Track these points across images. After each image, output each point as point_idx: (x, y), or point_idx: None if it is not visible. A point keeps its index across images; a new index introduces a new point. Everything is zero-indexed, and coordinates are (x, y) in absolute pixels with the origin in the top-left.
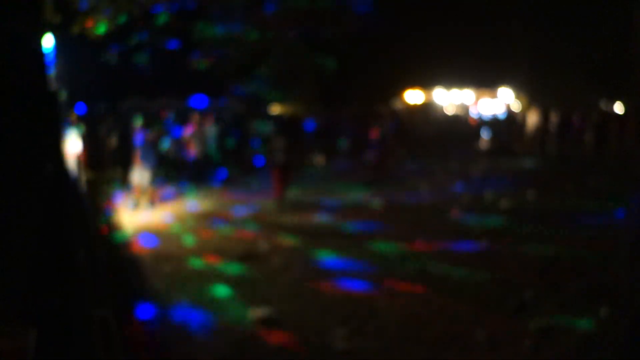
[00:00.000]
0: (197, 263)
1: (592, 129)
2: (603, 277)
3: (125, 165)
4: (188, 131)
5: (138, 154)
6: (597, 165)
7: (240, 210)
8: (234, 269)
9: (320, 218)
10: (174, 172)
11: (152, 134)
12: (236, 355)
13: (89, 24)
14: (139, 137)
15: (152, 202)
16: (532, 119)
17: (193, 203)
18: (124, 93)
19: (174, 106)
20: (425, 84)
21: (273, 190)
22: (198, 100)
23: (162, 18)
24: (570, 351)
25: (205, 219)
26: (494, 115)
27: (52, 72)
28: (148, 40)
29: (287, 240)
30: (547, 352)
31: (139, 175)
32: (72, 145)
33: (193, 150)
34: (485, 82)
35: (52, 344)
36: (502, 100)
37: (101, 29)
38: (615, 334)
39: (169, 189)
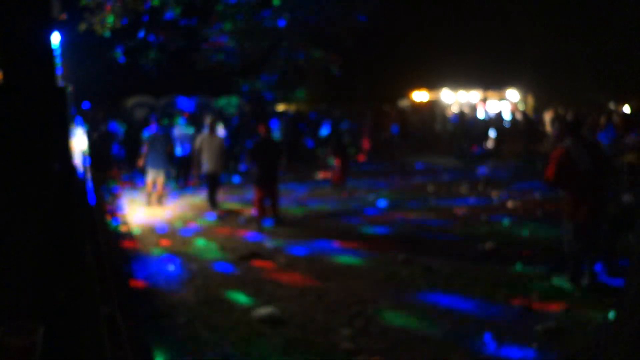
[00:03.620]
0: (203, 261)
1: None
2: (612, 279)
3: (131, 161)
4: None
5: (147, 151)
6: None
7: (247, 210)
8: (239, 267)
9: (323, 220)
10: (181, 172)
11: (162, 130)
12: (241, 354)
13: (96, 21)
14: (147, 133)
15: (161, 200)
16: (547, 119)
17: (198, 203)
18: (130, 90)
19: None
20: (432, 85)
21: (254, 206)
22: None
23: (168, 15)
24: (577, 353)
25: (211, 218)
26: (499, 114)
27: (59, 69)
28: (154, 37)
29: (292, 239)
30: (553, 354)
31: (152, 172)
32: (79, 142)
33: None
34: (493, 83)
35: (60, 340)
36: (510, 101)
37: (108, 26)
38: (623, 337)
39: (175, 188)
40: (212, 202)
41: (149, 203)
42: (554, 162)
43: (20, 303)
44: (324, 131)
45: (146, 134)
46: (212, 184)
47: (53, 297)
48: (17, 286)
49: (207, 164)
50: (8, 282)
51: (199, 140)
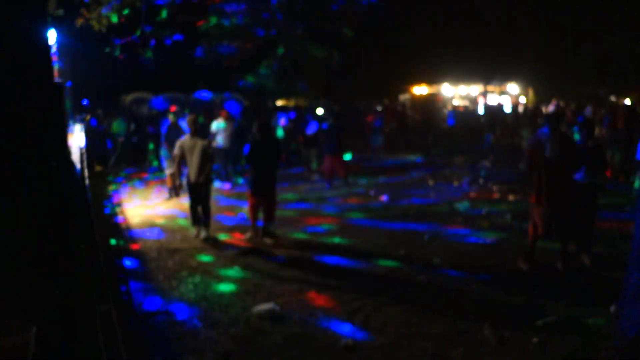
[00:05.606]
0: (202, 257)
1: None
2: (613, 274)
3: (133, 156)
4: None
5: (166, 143)
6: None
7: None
8: (239, 264)
9: (322, 217)
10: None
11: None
12: (241, 351)
13: (93, 17)
14: (164, 126)
15: (170, 192)
16: (543, 112)
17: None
18: (128, 86)
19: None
20: (432, 80)
21: (249, 215)
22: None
23: (166, 11)
24: (578, 348)
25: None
26: (499, 106)
27: (56, 65)
28: (152, 33)
29: (291, 236)
30: (554, 349)
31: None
32: (76, 138)
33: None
34: (493, 77)
35: (54, 339)
36: (510, 95)
37: (105, 22)
38: (624, 330)
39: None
40: (194, 218)
41: (172, 194)
42: (528, 149)
43: (13, 302)
44: (311, 130)
45: (164, 129)
46: (194, 196)
47: (48, 295)
48: (10, 285)
49: (187, 172)
50: (1, 281)
51: (178, 145)
